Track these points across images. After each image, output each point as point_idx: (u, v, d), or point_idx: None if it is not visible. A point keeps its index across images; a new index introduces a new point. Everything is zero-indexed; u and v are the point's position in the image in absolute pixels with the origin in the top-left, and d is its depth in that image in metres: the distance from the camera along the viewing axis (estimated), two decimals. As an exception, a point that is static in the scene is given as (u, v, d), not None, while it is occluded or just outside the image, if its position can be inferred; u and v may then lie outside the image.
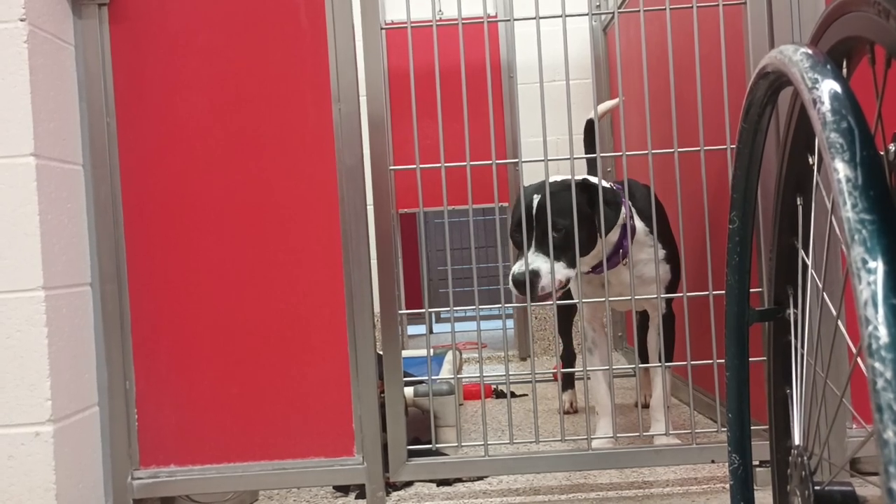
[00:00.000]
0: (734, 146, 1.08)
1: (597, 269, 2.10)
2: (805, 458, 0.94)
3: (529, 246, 1.98)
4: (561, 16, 1.94)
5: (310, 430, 1.88)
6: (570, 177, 1.99)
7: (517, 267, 1.97)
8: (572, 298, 2.34)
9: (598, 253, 2.04)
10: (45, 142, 1.70)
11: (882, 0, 0.69)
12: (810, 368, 1.03)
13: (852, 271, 0.58)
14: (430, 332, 2.06)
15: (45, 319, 1.65)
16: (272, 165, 1.89)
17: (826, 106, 0.67)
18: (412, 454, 1.93)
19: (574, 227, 1.95)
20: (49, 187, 1.70)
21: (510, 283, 1.98)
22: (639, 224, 2.11)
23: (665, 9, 1.93)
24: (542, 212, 1.98)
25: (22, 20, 1.65)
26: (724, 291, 1.11)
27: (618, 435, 2.06)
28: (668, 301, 2.18)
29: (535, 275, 1.94)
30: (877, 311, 0.55)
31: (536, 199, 2.01)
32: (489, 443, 1.94)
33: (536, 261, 1.95)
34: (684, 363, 1.94)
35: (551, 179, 2.03)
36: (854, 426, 1.85)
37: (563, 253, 1.97)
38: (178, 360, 1.88)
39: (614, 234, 2.07)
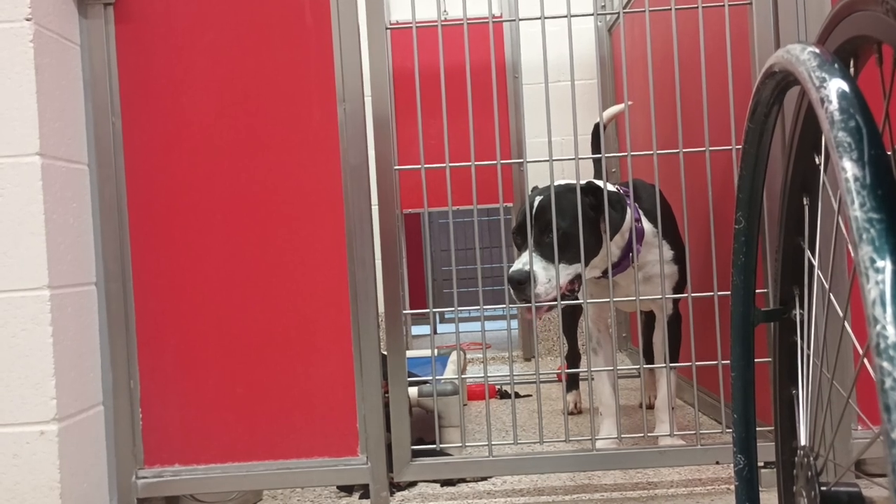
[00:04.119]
0: (740, 146, 1.08)
1: (607, 274, 2.10)
2: (811, 458, 0.93)
3: (528, 247, 1.98)
4: (566, 16, 1.93)
5: (314, 430, 1.88)
6: (576, 180, 1.99)
7: (513, 267, 1.98)
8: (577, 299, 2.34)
9: (605, 257, 2.04)
10: (51, 141, 1.70)
11: (890, -1, 0.69)
12: (816, 369, 1.03)
13: (860, 270, 0.57)
14: (435, 332, 2.06)
15: (50, 318, 1.66)
16: (277, 165, 1.89)
17: (834, 105, 0.67)
18: (416, 454, 1.93)
19: (573, 229, 1.95)
20: (54, 186, 1.70)
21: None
22: (647, 226, 2.11)
23: (671, 9, 1.93)
24: (542, 213, 1.98)
25: (28, 20, 1.65)
26: (729, 292, 1.10)
27: (622, 436, 2.05)
28: (675, 302, 2.18)
29: (528, 277, 1.93)
30: (885, 311, 0.55)
31: (538, 200, 2.01)
32: (493, 443, 1.94)
33: (534, 263, 1.95)
34: (689, 364, 1.93)
35: (559, 182, 2.03)
36: (860, 427, 1.84)
37: (564, 255, 1.97)
38: (182, 359, 1.89)
39: (622, 239, 2.06)
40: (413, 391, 2.21)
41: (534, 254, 1.97)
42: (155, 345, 1.89)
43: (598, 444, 1.97)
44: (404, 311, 1.96)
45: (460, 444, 2.05)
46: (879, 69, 0.80)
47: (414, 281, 4.67)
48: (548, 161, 1.97)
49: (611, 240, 2.01)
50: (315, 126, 1.88)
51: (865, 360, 0.65)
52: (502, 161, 1.97)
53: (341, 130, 1.88)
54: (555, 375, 3.28)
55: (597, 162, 2.58)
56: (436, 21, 1.94)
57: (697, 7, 1.91)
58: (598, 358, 2.25)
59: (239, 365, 1.88)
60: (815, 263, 1.01)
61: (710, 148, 1.92)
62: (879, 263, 0.57)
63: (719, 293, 1.91)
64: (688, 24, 2.13)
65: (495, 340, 4.52)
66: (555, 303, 1.97)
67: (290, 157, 1.89)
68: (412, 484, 2.03)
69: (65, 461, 1.67)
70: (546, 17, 1.93)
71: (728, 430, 1.93)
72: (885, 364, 0.53)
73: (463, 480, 2.05)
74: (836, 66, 0.72)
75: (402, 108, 2.94)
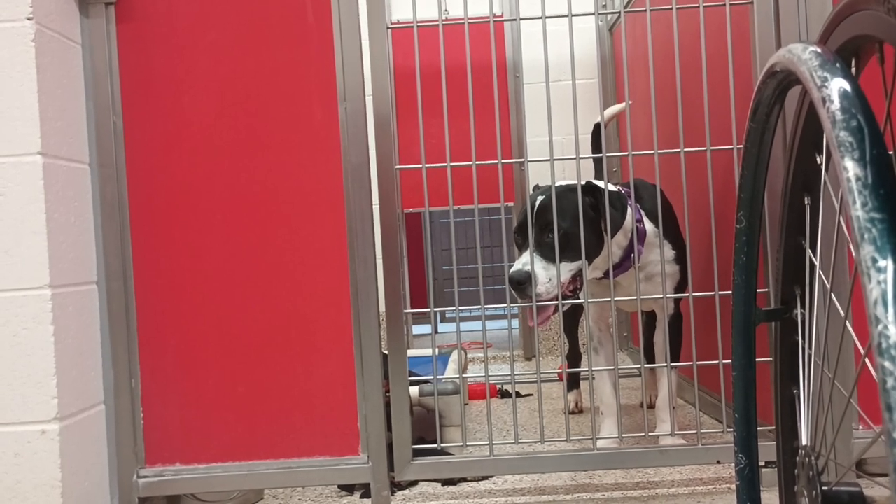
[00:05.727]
0: (741, 146, 1.08)
1: (608, 274, 2.10)
2: (812, 458, 0.93)
3: (529, 247, 1.98)
4: (567, 15, 1.93)
5: (315, 430, 1.89)
6: (577, 180, 1.99)
7: (513, 267, 1.98)
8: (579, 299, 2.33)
9: (606, 257, 2.04)
10: (52, 140, 1.70)
11: (891, -2, 0.69)
12: (817, 369, 1.03)
13: (862, 270, 0.57)
14: (436, 331, 2.06)
15: (52, 317, 1.66)
16: (278, 164, 1.89)
17: (835, 104, 0.67)
18: (417, 453, 1.93)
19: (574, 230, 1.94)
20: (56, 186, 1.70)
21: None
22: (648, 226, 2.11)
23: (672, 8, 1.92)
24: (543, 213, 1.98)
25: (29, 19, 1.65)
26: (730, 291, 1.10)
27: (623, 435, 2.05)
28: (676, 301, 2.18)
29: (528, 277, 1.94)
30: (886, 310, 0.54)
31: (539, 200, 2.01)
32: (494, 442, 1.94)
33: (534, 263, 1.95)
34: (690, 363, 1.93)
35: (560, 183, 2.03)
36: (861, 427, 1.84)
37: (564, 255, 1.96)
38: (183, 358, 1.89)
39: (624, 239, 2.06)
40: (414, 390, 2.21)
41: (534, 254, 1.97)
42: (156, 344, 1.89)
43: (599, 444, 1.97)
44: (405, 311, 1.96)
45: (461, 444, 2.05)
46: (881, 68, 0.80)
47: (415, 280, 4.67)
48: (549, 160, 1.97)
49: (612, 239, 2.00)
50: (316, 125, 1.88)
51: (867, 360, 0.65)
52: (503, 160, 1.97)
53: (342, 130, 1.88)
54: (556, 375, 3.28)
55: (598, 161, 2.58)
56: (437, 20, 1.94)
57: (699, 6, 1.91)
58: (598, 357, 2.25)
59: (239, 364, 1.88)
60: (817, 263, 1.01)
61: (712, 147, 1.91)
62: (881, 263, 0.57)
63: (720, 293, 1.91)
64: (689, 23, 2.13)
65: (496, 340, 4.52)
66: (556, 302, 1.97)
67: (291, 157, 1.89)
68: (413, 483, 2.03)
69: (66, 460, 1.67)
70: (547, 17, 1.93)
71: (729, 430, 1.93)
72: (887, 364, 0.53)
73: (464, 480, 2.05)
74: (837, 65, 0.72)
75: (403, 107, 2.94)
